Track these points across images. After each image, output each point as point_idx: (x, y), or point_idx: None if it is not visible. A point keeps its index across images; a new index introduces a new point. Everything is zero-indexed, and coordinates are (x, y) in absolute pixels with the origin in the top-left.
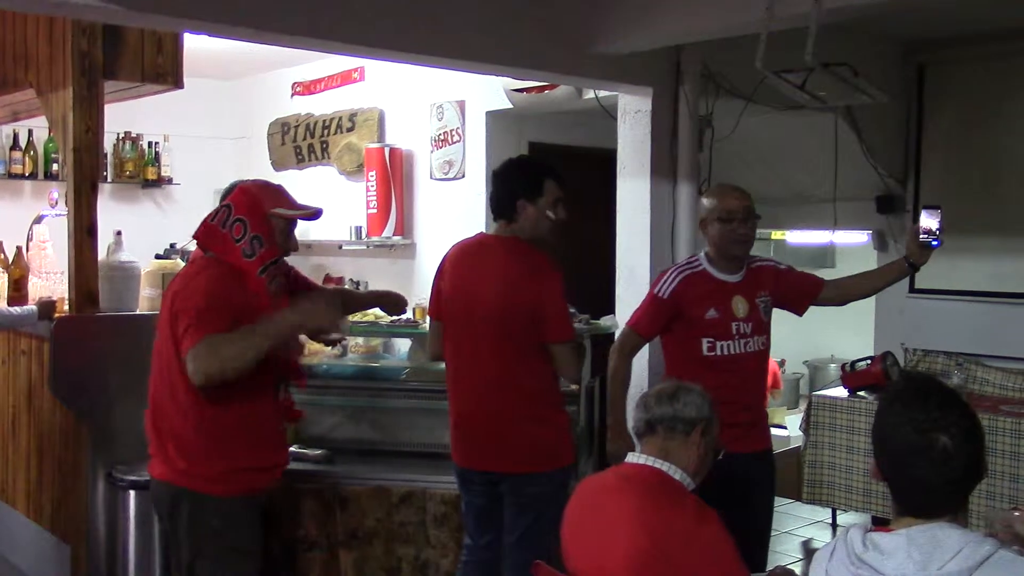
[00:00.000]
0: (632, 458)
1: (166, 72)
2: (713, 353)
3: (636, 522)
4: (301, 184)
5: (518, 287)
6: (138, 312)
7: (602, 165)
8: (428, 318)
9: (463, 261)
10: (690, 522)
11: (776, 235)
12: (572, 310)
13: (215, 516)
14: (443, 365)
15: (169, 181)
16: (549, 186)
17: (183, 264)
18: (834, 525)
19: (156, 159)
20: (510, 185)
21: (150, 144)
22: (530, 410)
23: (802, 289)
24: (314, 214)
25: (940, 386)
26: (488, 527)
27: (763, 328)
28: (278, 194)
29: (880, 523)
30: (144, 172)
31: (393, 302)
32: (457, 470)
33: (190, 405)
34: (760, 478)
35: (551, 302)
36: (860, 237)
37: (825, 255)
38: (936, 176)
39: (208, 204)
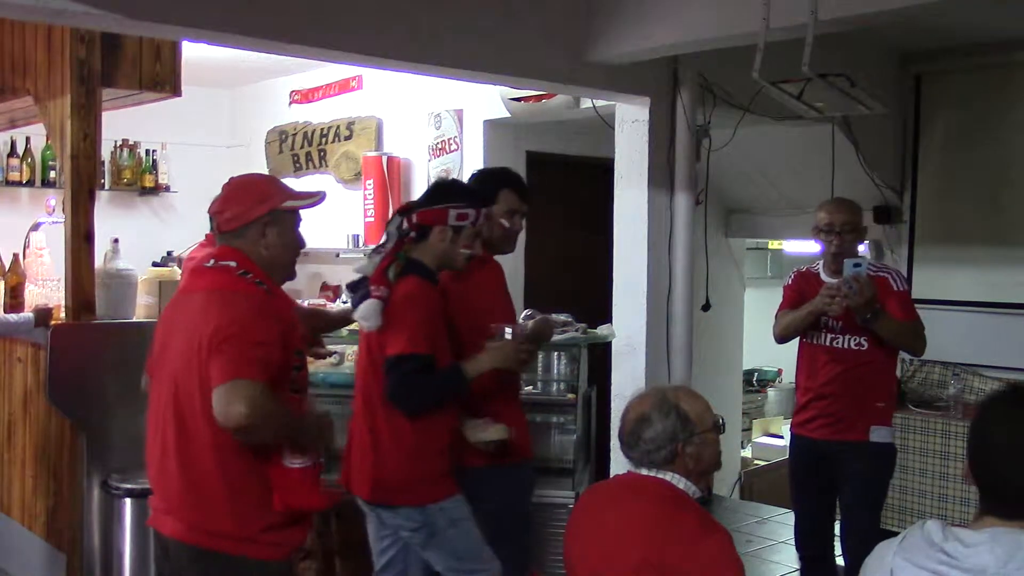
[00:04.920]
0: (637, 468)
1: (164, 80)
2: (807, 340)
3: (639, 533)
4: None
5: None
6: (135, 320)
7: (599, 174)
8: None
9: None
10: (693, 535)
11: (773, 245)
12: (569, 318)
13: None
14: None
15: (166, 189)
16: (505, 195)
17: (179, 272)
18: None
19: (153, 167)
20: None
21: (148, 152)
22: None
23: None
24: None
25: None
26: None
27: (859, 330)
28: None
29: None
30: (141, 180)
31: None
32: None
33: (214, 450)
34: (845, 467)
35: None
36: (857, 247)
37: None
38: (933, 186)
39: (205, 212)
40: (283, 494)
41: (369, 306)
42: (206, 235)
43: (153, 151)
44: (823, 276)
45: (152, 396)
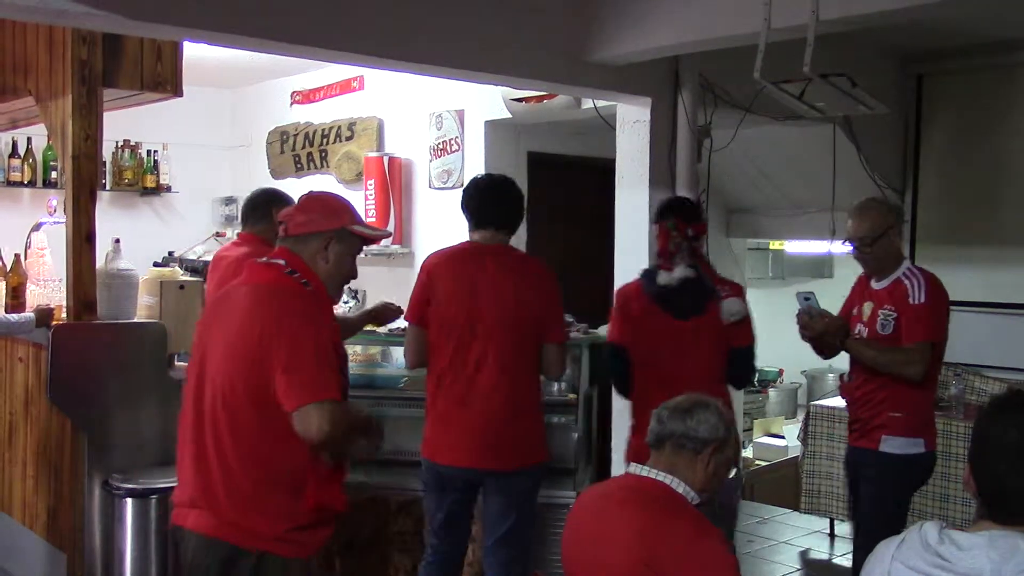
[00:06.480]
0: (636, 470)
1: (165, 80)
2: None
3: (634, 535)
4: (300, 193)
5: (526, 292)
6: (136, 320)
7: (600, 175)
8: (407, 323)
9: (462, 270)
10: (687, 537)
11: (775, 245)
12: (570, 319)
13: None
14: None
15: (168, 189)
16: None
17: (181, 273)
18: (832, 535)
19: (155, 167)
20: (520, 200)
21: (149, 152)
22: (525, 408)
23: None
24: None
25: None
26: (456, 527)
27: (879, 339)
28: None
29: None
30: (143, 180)
31: (382, 313)
32: (438, 470)
33: (255, 446)
34: (866, 474)
35: (553, 306)
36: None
37: (823, 265)
38: (933, 186)
39: (206, 212)
40: (315, 488)
41: (737, 303)
42: (239, 234)
43: (154, 151)
44: (870, 279)
45: (189, 390)
